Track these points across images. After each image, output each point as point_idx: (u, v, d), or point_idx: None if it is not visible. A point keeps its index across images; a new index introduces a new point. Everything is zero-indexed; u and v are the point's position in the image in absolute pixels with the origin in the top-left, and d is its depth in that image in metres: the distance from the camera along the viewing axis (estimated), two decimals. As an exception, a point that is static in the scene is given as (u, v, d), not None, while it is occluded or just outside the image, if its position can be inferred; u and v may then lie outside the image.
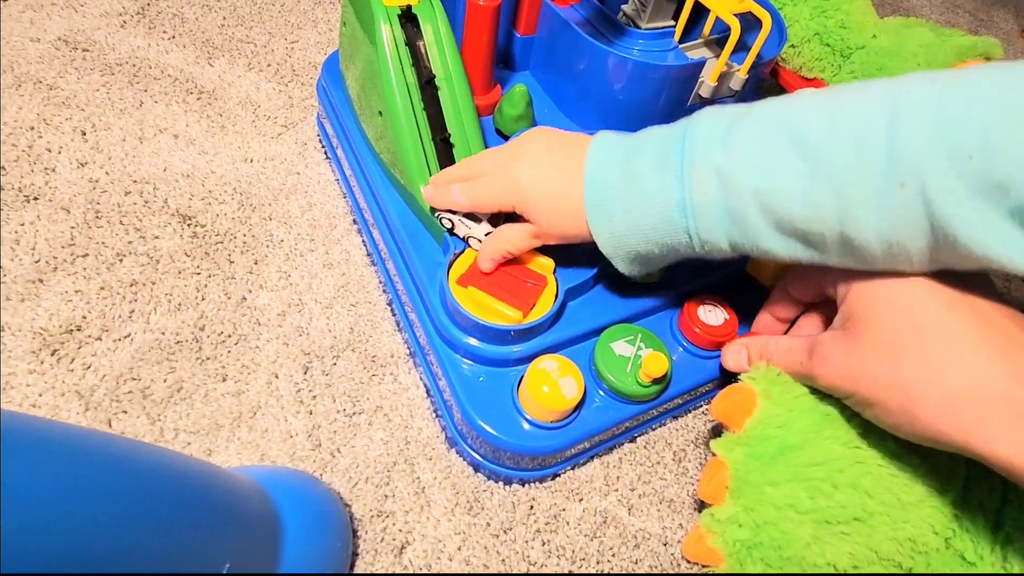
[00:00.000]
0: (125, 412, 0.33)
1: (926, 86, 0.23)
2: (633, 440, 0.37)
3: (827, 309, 0.32)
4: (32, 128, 0.45)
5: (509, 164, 0.31)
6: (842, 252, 0.25)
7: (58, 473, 0.16)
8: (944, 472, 0.28)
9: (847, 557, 0.28)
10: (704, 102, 0.45)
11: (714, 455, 0.30)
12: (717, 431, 0.38)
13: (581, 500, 0.34)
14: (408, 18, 0.36)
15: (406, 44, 0.36)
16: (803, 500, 0.28)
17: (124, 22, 0.56)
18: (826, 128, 0.24)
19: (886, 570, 0.29)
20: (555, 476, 0.35)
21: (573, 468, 0.36)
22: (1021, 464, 0.22)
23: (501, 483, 0.34)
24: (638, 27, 0.49)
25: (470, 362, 0.33)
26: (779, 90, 0.56)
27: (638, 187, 0.28)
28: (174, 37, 0.56)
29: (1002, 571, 0.27)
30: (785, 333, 0.34)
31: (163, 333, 0.37)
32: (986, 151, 0.21)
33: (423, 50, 0.37)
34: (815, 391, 0.30)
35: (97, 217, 0.41)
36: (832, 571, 0.28)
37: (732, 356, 0.33)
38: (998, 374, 0.22)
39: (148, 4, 0.58)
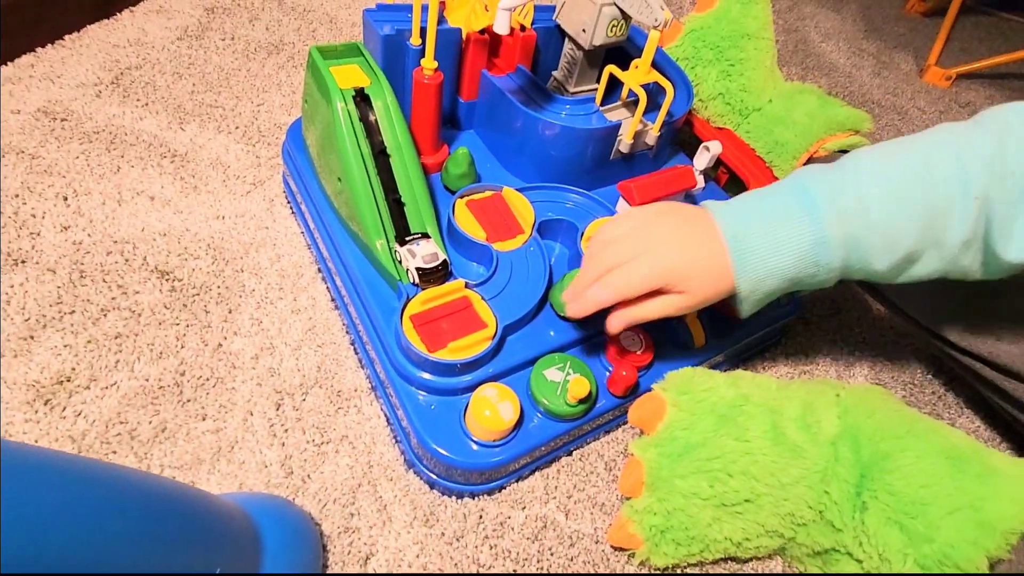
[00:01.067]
0: (115, 452, 0.37)
1: (979, 138, 0.33)
2: (570, 453, 0.43)
3: None
4: (17, 195, 0.49)
5: (650, 250, 0.35)
6: (928, 258, 0.34)
7: (59, 492, 0.20)
8: (813, 456, 0.34)
9: (740, 532, 0.34)
10: (624, 156, 0.52)
11: (631, 455, 0.36)
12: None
13: (524, 508, 0.40)
14: (361, 97, 0.42)
15: (360, 120, 0.42)
16: (704, 488, 0.34)
17: (99, 92, 0.61)
18: (915, 171, 0.33)
19: (772, 540, 0.35)
20: (501, 488, 0.40)
21: (517, 481, 0.41)
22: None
23: (454, 497, 0.39)
24: (567, 91, 0.56)
25: (423, 392, 0.38)
26: (694, 138, 0.63)
27: (777, 234, 0.34)
28: (147, 104, 0.61)
29: (861, 533, 0.34)
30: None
31: (147, 380, 0.41)
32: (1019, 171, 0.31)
33: (375, 123, 0.43)
34: (714, 398, 0.36)
35: (81, 276, 0.45)
36: (728, 544, 0.34)
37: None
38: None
39: (121, 74, 0.63)
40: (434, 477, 0.39)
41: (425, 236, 0.42)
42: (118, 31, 0.69)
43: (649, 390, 0.39)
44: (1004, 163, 0.31)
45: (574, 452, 0.43)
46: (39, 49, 0.64)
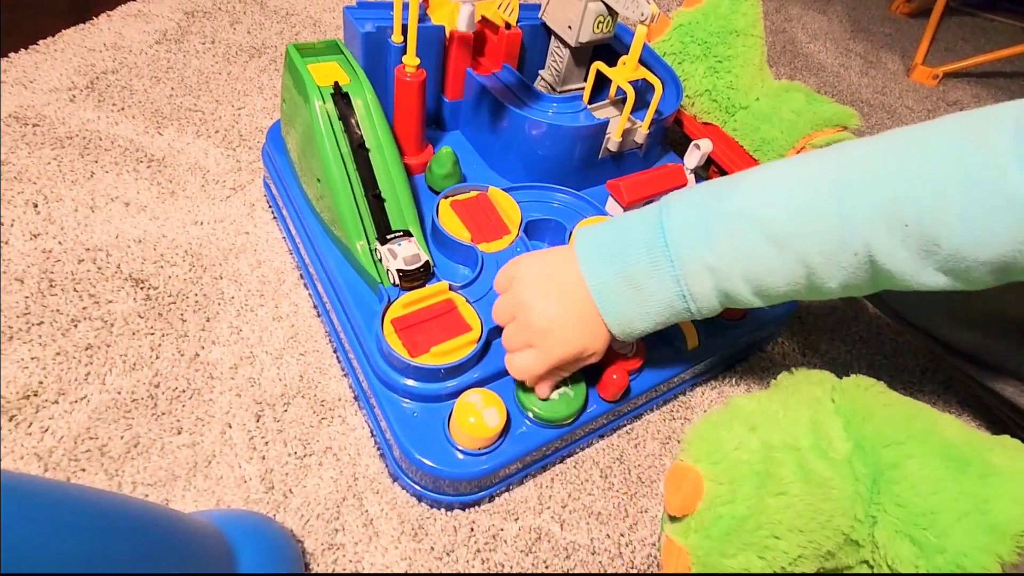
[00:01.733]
0: (84, 470, 0.35)
1: (861, 175, 0.29)
2: (563, 460, 0.41)
3: None
4: (-16, 203, 0.47)
5: (525, 321, 0.35)
6: (810, 298, 0.33)
7: (32, 516, 0.19)
8: (840, 484, 0.33)
9: None
10: (613, 155, 0.51)
11: (668, 538, 0.33)
12: (642, 449, 0.43)
13: (517, 519, 0.38)
14: (340, 94, 0.41)
15: (339, 118, 0.40)
16: (755, 562, 0.31)
17: (74, 96, 0.59)
18: (789, 218, 0.30)
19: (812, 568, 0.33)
20: (492, 498, 0.39)
21: (509, 490, 0.39)
22: None
23: (443, 510, 0.38)
24: (554, 89, 0.55)
25: (407, 400, 0.37)
26: (683, 136, 0.63)
27: (642, 291, 0.33)
28: (123, 109, 0.59)
29: (872, 546, 0.32)
30: None
31: (119, 393, 0.39)
32: (920, 221, 0.27)
33: (355, 122, 0.41)
34: (746, 455, 0.33)
35: (51, 286, 0.43)
36: None
37: None
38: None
39: (97, 78, 0.62)
40: (421, 489, 0.37)
41: (407, 235, 0.41)
42: (94, 35, 0.67)
43: (677, 461, 0.35)
44: (902, 210, 0.28)
45: (567, 459, 0.42)
46: (12, 54, 0.62)
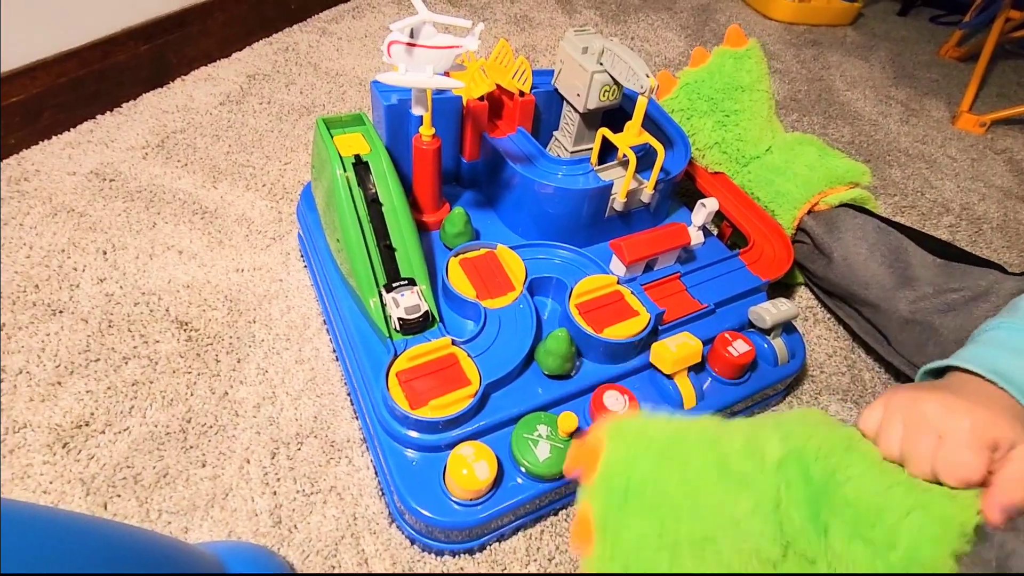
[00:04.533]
0: (119, 496, 0.40)
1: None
2: (555, 513, 0.43)
3: None
4: (63, 251, 0.55)
5: (917, 415, 0.34)
6: None
7: (41, 543, 0.22)
8: (762, 484, 0.32)
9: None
10: (620, 213, 0.53)
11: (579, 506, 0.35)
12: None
13: (504, 569, 0.39)
14: (360, 164, 0.46)
15: (358, 185, 0.45)
16: (655, 529, 0.31)
17: (146, 154, 0.67)
18: None
19: None
20: (483, 548, 0.40)
21: (499, 541, 0.41)
22: None
23: (434, 555, 0.40)
24: (567, 150, 0.58)
25: (408, 449, 0.40)
26: (694, 190, 0.64)
27: None
28: (186, 164, 0.66)
29: (831, 555, 0.31)
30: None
31: (156, 426, 0.44)
32: None
33: (373, 187, 0.46)
34: (652, 431, 0.33)
35: (110, 326, 0.49)
36: None
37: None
38: None
39: (167, 137, 0.70)
40: (415, 533, 0.39)
41: (412, 283, 0.44)
42: (169, 98, 0.76)
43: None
44: None
45: (560, 512, 0.43)
46: (98, 116, 0.71)
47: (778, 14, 1.31)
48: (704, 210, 0.54)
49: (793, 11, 1.30)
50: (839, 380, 0.56)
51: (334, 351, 0.51)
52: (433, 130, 0.48)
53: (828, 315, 0.62)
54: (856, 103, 1.03)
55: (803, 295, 0.64)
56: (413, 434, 0.39)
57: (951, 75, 1.19)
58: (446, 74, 0.52)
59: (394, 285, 0.44)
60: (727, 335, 0.47)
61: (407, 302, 0.43)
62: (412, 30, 0.41)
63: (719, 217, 0.62)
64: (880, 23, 1.41)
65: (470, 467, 0.37)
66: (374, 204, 0.45)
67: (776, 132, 0.65)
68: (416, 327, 0.43)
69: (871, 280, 0.53)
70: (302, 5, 0.99)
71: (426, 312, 0.43)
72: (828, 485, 0.32)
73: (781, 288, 0.64)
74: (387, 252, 0.45)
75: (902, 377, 0.57)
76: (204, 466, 0.42)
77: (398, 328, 0.43)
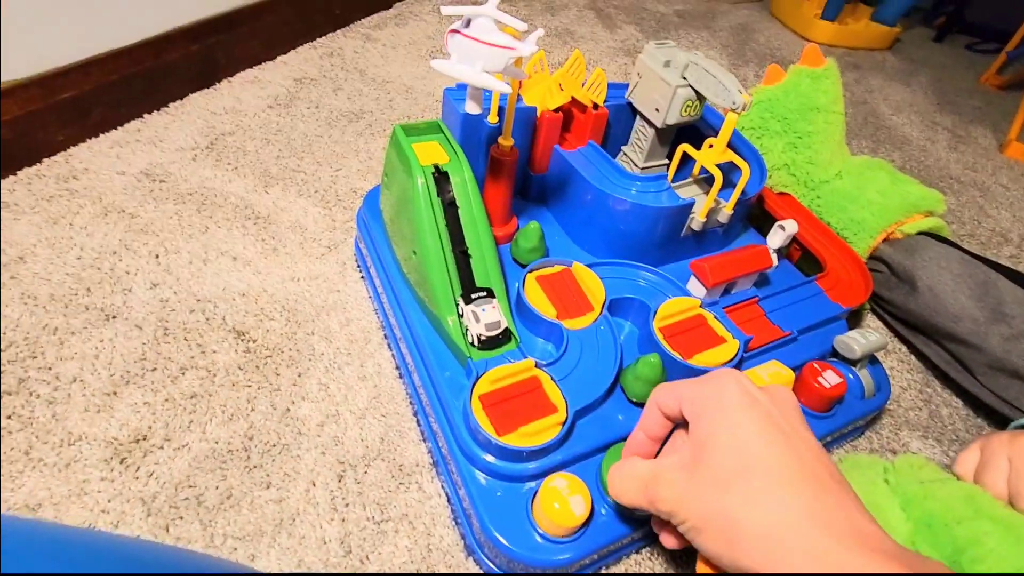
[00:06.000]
0: (181, 518, 0.37)
1: None
2: (639, 551, 0.40)
3: None
4: (114, 253, 0.53)
5: None
6: None
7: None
8: None
9: None
10: (695, 234, 0.51)
11: None
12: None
13: (589, 611, 0.37)
14: (440, 174, 0.44)
15: (438, 195, 0.43)
16: None
17: (196, 156, 0.65)
18: None
19: None
20: (565, 586, 0.38)
21: (582, 578, 0.38)
22: None
23: (514, 592, 0.37)
24: (636, 166, 0.56)
25: (486, 476, 0.37)
26: (763, 212, 0.62)
27: None
28: (237, 168, 0.65)
29: None
30: (658, 451, 0.34)
31: (217, 442, 0.41)
32: None
33: (452, 198, 0.44)
34: None
35: (165, 333, 0.47)
36: None
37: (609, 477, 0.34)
38: (802, 514, 0.24)
39: (216, 139, 0.68)
40: (494, 568, 0.37)
41: (490, 294, 0.42)
42: (217, 99, 0.75)
43: None
44: None
45: (643, 550, 0.40)
46: (146, 115, 0.70)
47: (817, 36, 1.30)
48: (783, 233, 0.52)
49: (832, 33, 1.29)
50: (917, 415, 0.53)
51: (397, 368, 0.48)
52: (512, 141, 0.46)
53: (900, 345, 0.60)
54: (903, 128, 1.02)
55: (871, 324, 0.62)
56: (496, 461, 0.37)
57: (993, 103, 1.18)
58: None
59: (472, 297, 0.41)
60: (816, 365, 0.45)
61: (488, 318, 0.41)
62: (468, 20, 0.39)
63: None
64: (917, 49, 1.40)
65: (564, 501, 0.34)
66: (451, 207, 0.43)
67: (845, 156, 0.63)
68: (494, 344, 0.41)
69: (961, 313, 0.51)
70: (346, 11, 0.98)
71: (506, 329, 0.41)
72: (963, 559, 0.30)
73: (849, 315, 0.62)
74: (463, 259, 0.43)
75: (982, 411, 0.55)
76: (269, 488, 0.40)
77: (476, 344, 0.41)
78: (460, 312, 0.41)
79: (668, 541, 0.32)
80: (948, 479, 0.35)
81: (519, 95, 0.52)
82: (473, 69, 0.39)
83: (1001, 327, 0.49)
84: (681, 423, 0.31)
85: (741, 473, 0.25)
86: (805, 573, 0.23)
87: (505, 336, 0.41)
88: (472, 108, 0.46)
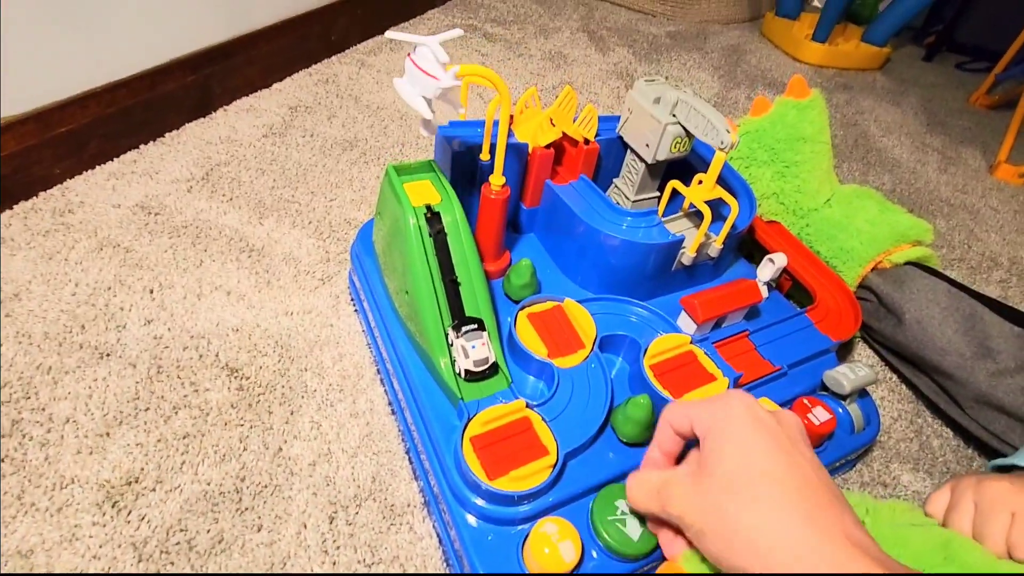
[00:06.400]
0: (172, 564, 0.37)
1: None
2: (629, 591, 0.40)
3: None
4: (109, 288, 0.53)
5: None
6: None
7: None
8: None
9: None
10: (685, 268, 0.52)
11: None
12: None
13: (580, 655, 0.37)
14: (432, 214, 0.44)
15: (430, 236, 0.43)
16: None
17: (191, 187, 0.66)
18: None
19: None
20: (556, 629, 0.38)
21: (573, 621, 0.38)
22: None
23: (506, 636, 0.37)
24: (628, 199, 0.57)
25: (477, 519, 0.37)
26: (754, 242, 0.63)
27: None
28: (232, 199, 0.65)
29: None
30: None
31: (209, 484, 0.41)
32: None
33: (443, 237, 0.44)
34: None
35: (159, 371, 0.47)
36: None
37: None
38: (799, 520, 0.25)
39: (212, 169, 0.69)
40: (486, 612, 0.37)
41: (480, 327, 0.42)
42: (212, 129, 0.75)
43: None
44: None
45: (633, 590, 0.40)
46: (142, 146, 0.70)
47: (807, 57, 1.32)
48: (772, 266, 0.53)
49: (823, 54, 1.31)
50: (908, 447, 0.54)
51: (389, 404, 0.49)
52: (504, 179, 0.47)
53: (890, 374, 0.61)
54: (893, 150, 1.03)
55: (861, 353, 0.63)
56: (487, 505, 0.37)
57: (983, 123, 1.19)
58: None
59: (463, 329, 0.42)
60: (805, 401, 0.45)
61: (477, 354, 0.41)
62: (415, 46, 0.41)
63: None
64: (907, 68, 1.42)
65: (554, 547, 0.34)
66: (440, 238, 0.44)
67: (833, 184, 0.64)
68: (481, 378, 0.41)
69: (948, 347, 0.51)
70: (341, 37, 0.99)
71: (493, 364, 0.41)
72: None
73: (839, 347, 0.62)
74: (452, 287, 0.43)
75: (972, 442, 0.55)
76: (260, 530, 0.40)
77: (462, 376, 0.41)
78: (450, 342, 0.42)
79: (664, 538, 0.34)
80: (930, 525, 0.35)
81: (511, 130, 0.53)
82: (413, 91, 0.41)
83: (987, 363, 0.49)
84: (694, 441, 0.33)
85: (744, 481, 0.27)
86: (800, 574, 0.24)
87: (492, 370, 0.42)
88: (425, 132, 0.47)
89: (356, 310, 0.56)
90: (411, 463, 0.45)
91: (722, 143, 0.45)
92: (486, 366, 0.41)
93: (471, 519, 0.37)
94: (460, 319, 0.42)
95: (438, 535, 0.41)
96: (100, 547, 0.37)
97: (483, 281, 0.44)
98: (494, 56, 1.06)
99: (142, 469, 0.41)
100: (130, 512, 0.39)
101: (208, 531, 0.39)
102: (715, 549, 0.27)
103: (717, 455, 0.28)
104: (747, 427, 0.29)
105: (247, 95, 0.83)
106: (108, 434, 0.43)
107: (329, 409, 0.47)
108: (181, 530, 0.39)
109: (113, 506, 0.39)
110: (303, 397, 0.48)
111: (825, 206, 0.63)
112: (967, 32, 1.52)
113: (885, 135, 1.07)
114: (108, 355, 0.48)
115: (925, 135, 1.10)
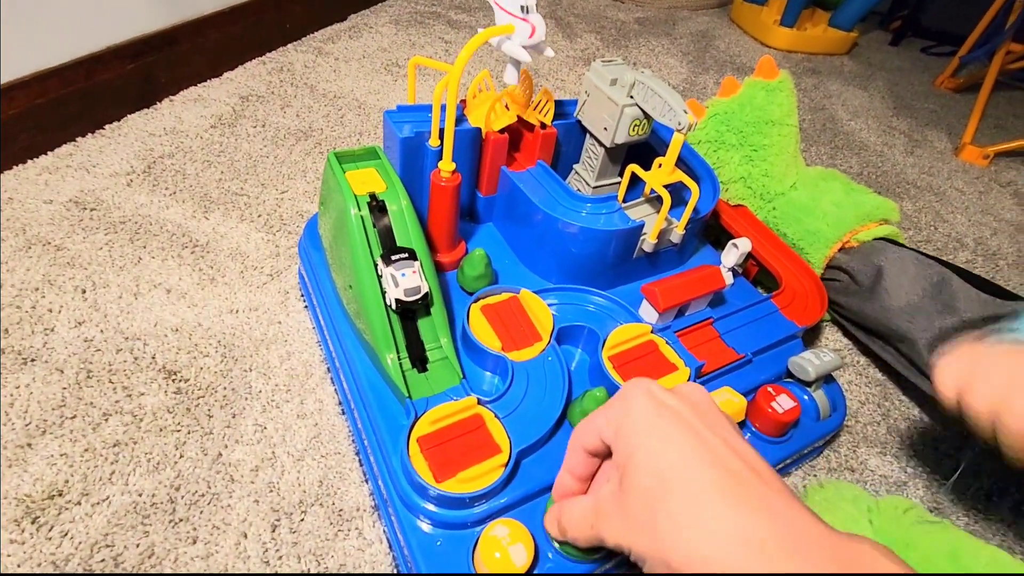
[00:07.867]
0: (96, 583, 0.35)
1: None
2: (589, 591, 0.39)
3: None
4: (36, 289, 0.49)
5: None
6: None
7: None
8: None
9: None
10: (648, 255, 0.50)
11: None
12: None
13: (537, 661, 0.35)
14: (376, 203, 0.42)
15: (373, 226, 0.41)
16: None
17: (131, 181, 0.62)
18: None
19: None
20: (512, 635, 0.36)
21: (530, 625, 0.36)
22: None
23: (459, 645, 0.35)
24: (588, 185, 0.55)
25: (428, 524, 0.35)
26: (719, 227, 0.61)
27: None
28: (175, 193, 0.62)
29: None
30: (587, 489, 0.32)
31: (140, 495, 0.39)
32: None
33: (389, 227, 0.42)
34: None
35: (88, 377, 0.44)
36: None
37: (548, 523, 0.33)
38: (730, 537, 0.22)
39: (154, 162, 0.65)
40: (437, 620, 0.35)
41: (412, 257, 0.40)
42: (156, 120, 0.72)
43: None
44: None
45: (594, 589, 0.39)
46: (79, 139, 0.66)
47: (776, 42, 1.31)
48: (736, 251, 0.51)
49: (790, 39, 1.31)
50: (875, 431, 0.53)
51: (339, 403, 0.46)
52: (453, 166, 0.45)
53: (857, 357, 0.60)
54: (860, 133, 1.03)
55: (829, 336, 0.62)
56: (436, 509, 0.35)
57: (948, 106, 1.20)
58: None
59: (393, 258, 0.39)
60: (769, 389, 0.44)
61: (408, 282, 0.38)
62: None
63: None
64: (875, 53, 1.43)
65: (504, 551, 0.33)
66: (388, 233, 0.41)
67: (799, 167, 0.63)
68: (416, 310, 0.40)
69: (916, 312, 0.51)
70: (297, 24, 0.95)
71: (426, 294, 0.39)
72: None
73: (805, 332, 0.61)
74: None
75: (939, 420, 0.54)
76: (195, 543, 0.37)
77: (393, 308, 0.39)
78: (379, 273, 0.39)
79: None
80: (934, 526, 0.34)
81: (464, 116, 0.50)
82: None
83: (954, 319, 0.49)
84: (607, 454, 0.30)
85: (661, 493, 0.24)
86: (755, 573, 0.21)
87: (424, 301, 0.39)
88: (510, 76, 0.47)
89: (306, 306, 0.53)
90: (361, 465, 0.43)
91: (679, 124, 0.43)
92: (418, 295, 0.39)
93: (422, 524, 0.35)
94: (391, 250, 0.40)
95: (388, 541, 0.39)
96: (18, 567, 0.34)
97: (432, 273, 0.42)
98: (457, 43, 1.03)
99: (66, 481, 0.38)
100: (51, 528, 0.36)
101: (137, 545, 0.36)
102: (660, 571, 0.24)
103: (631, 466, 0.26)
104: (651, 423, 0.26)
105: (195, 84, 0.79)
106: (30, 445, 0.40)
107: (275, 411, 0.45)
108: (107, 546, 0.36)
109: (33, 522, 0.36)
110: (247, 399, 0.45)
111: (791, 189, 0.62)
112: (932, 16, 1.53)
113: (852, 119, 1.07)
114: (33, 360, 0.44)
115: (892, 118, 1.10)
